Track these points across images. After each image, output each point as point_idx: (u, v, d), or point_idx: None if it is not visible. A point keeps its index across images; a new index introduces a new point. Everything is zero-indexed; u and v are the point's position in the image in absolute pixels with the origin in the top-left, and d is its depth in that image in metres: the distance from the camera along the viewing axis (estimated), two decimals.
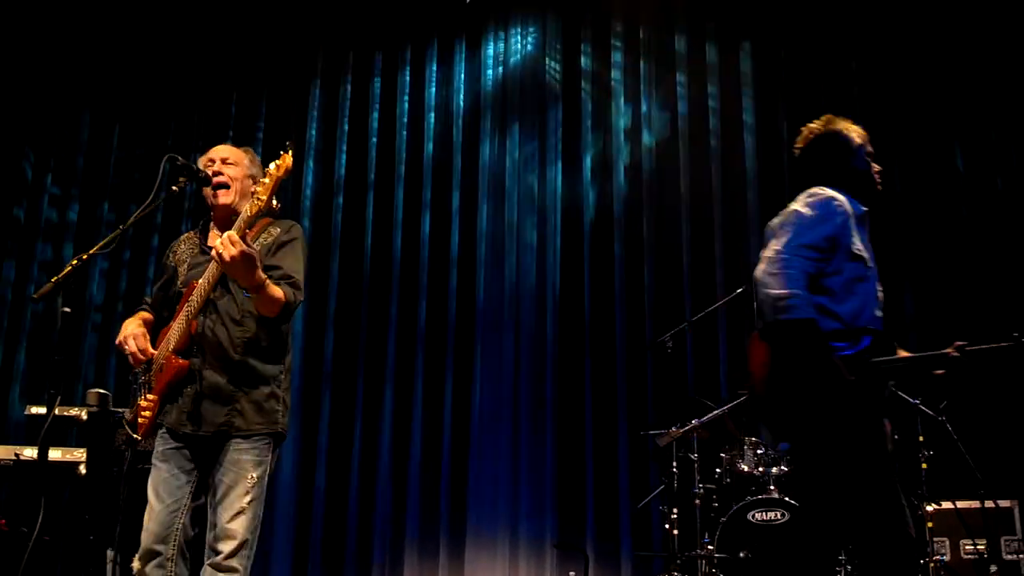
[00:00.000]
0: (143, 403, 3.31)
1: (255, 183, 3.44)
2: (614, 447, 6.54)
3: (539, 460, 6.63)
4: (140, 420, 3.30)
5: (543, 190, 7.21)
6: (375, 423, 7.00)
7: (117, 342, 3.33)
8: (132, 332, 3.33)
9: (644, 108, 7.17)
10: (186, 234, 3.63)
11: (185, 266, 3.45)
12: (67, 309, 2.85)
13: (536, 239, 7.12)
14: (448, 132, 7.49)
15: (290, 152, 3.15)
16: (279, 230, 3.46)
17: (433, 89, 7.59)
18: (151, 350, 3.31)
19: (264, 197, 3.08)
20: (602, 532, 6.39)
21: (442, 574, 6.55)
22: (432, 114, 7.55)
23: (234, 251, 3.01)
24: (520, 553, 6.48)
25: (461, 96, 7.53)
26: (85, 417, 4.83)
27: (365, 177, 7.53)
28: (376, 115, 7.65)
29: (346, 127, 7.66)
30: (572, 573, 5.57)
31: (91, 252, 3.02)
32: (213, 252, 3.06)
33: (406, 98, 7.62)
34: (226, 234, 3.05)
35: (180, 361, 3.25)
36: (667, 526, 5.39)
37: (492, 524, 6.53)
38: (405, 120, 7.58)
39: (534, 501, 6.56)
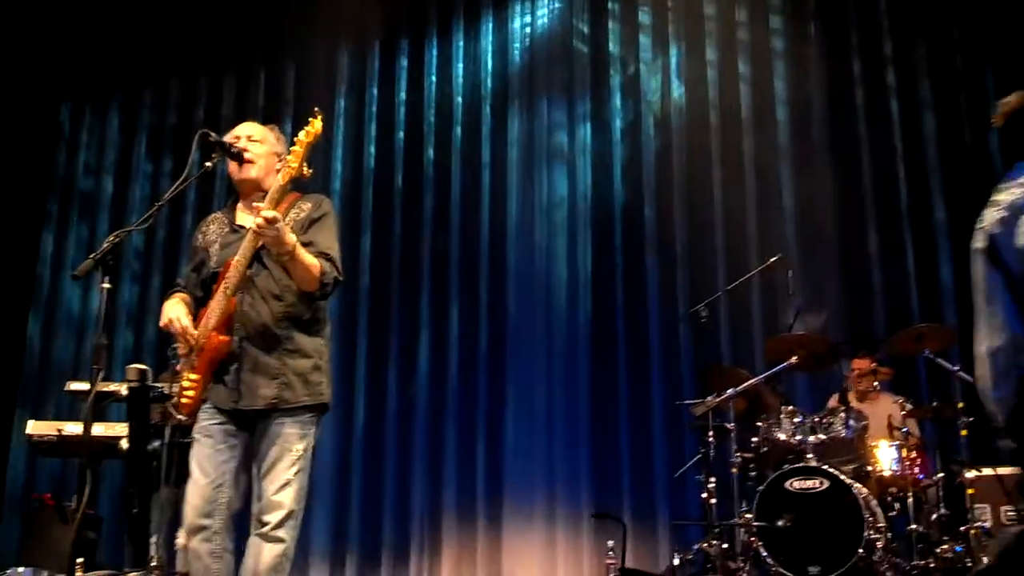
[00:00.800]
0: (185, 383, 3.32)
1: (280, 159, 3.46)
2: (648, 417, 6.53)
3: (574, 431, 6.63)
4: (184, 400, 3.31)
5: (572, 160, 7.17)
6: (409, 395, 7.03)
7: (162, 324, 3.33)
8: (176, 313, 3.33)
9: (673, 75, 7.09)
10: (214, 214, 3.64)
11: (216, 246, 3.46)
12: (107, 285, 2.88)
13: (567, 208, 7.09)
14: (477, 105, 7.45)
15: (319, 118, 3.18)
16: (309, 205, 3.47)
17: (460, 65, 7.55)
18: (192, 330, 3.31)
19: (295, 164, 3.12)
20: (638, 502, 6.39)
21: (480, 546, 6.59)
22: (460, 82, 7.52)
23: (272, 230, 3.07)
24: (557, 524, 6.50)
25: (489, 65, 7.48)
26: (125, 392, 4.86)
27: (392, 150, 7.52)
28: (404, 91, 7.63)
29: (374, 109, 7.65)
30: (611, 542, 5.57)
31: (129, 229, 3.04)
32: (256, 224, 3.08)
33: (433, 74, 7.59)
34: (262, 214, 3.07)
35: (221, 338, 3.26)
36: (704, 495, 5.39)
37: (528, 495, 6.55)
38: (433, 92, 7.56)
39: (570, 472, 6.56)
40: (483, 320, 7.04)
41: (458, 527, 6.68)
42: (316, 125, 3.18)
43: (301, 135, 3.16)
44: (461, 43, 7.58)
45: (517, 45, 7.46)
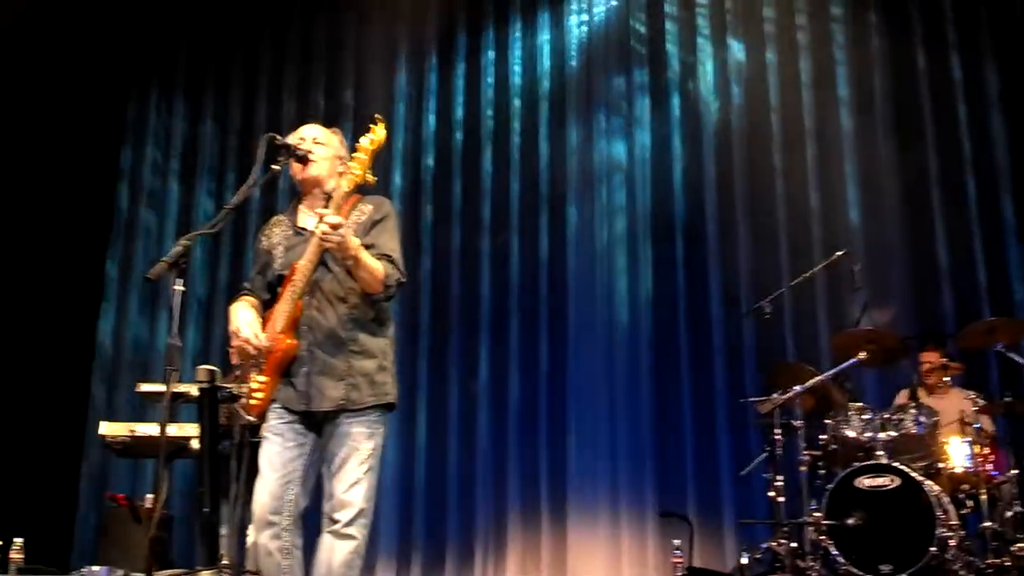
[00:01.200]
0: (254, 384, 3.36)
1: (342, 163, 3.51)
2: (712, 415, 6.48)
3: (637, 429, 6.60)
4: (253, 401, 3.36)
5: (631, 151, 7.13)
6: (471, 396, 7.06)
7: (231, 331, 3.38)
8: (245, 320, 3.38)
9: (732, 73, 7.03)
10: (277, 217, 3.69)
11: (281, 248, 3.51)
12: (180, 288, 2.94)
13: (625, 200, 7.05)
14: (534, 107, 7.45)
15: (382, 125, 3.21)
16: (371, 207, 3.51)
17: (518, 67, 7.56)
18: (257, 340, 3.34)
19: (360, 171, 3.18)
20: (703, 501, 6.35)
21: (545, 545, 6.59)
22: (518, 82, 7.53)
23: (336, 236, 3.12)
24: (622, 523, 6.47)
25: (546, 66, 7.48)
26: (196, 393, 4.95)
27: (451, 144, 7.55)
28: (462, 93, 7.66)
29: (432, 109, 7.70)
30: (677, 541, 5.53)
31: (199, 232, 3.10)
32: (316, 228, 3.13)
33: (491, 76, 7.62)
34: (327, 219, 3.11)
35: (289, 341, 3.31)
36: (771, 494, 5.32)
37: (592, 495, 6.54)
38: (490, 94, 7.59)
39: (633, 471, 6.53)
40: (543, 318, 7.03)
41: (522, 527, 6.68)
42: (379, 132, 3.23)
43: (365, 142, 3.21)
44: (519, 46, 7.59)
45: (574, 44, 7.44)
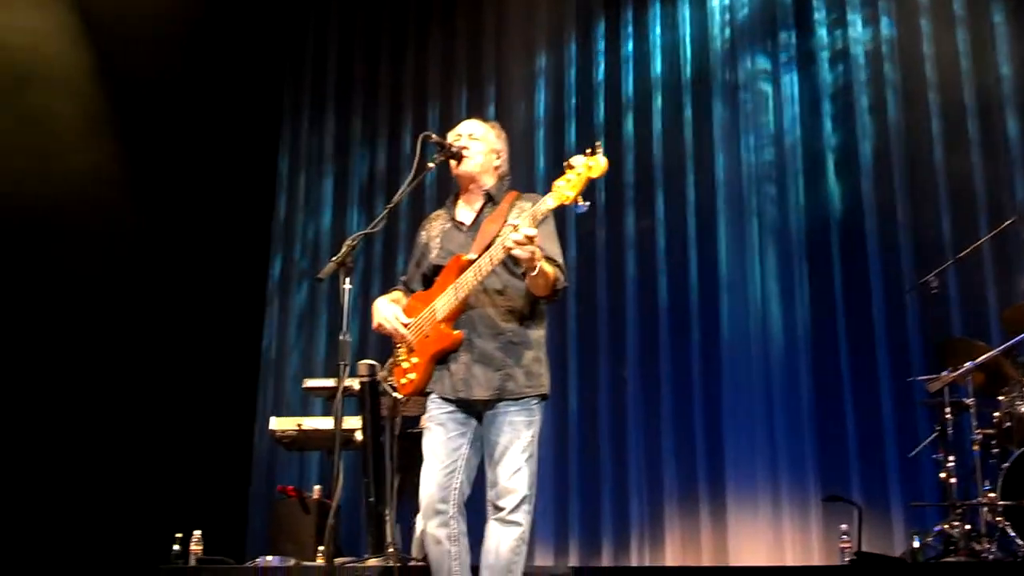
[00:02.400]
0: (405, 365, 3.48)
1: (498, 156, 3.63)
2: (876, 395, 6.25)
3: (796, 411, 6.44)
4: (404, 381, 3.49)
5: (779, 125, 6.96)
6: (621, 380, 7.01)
7: (374, 327, 3.53)
8: (386, 315, 3.52)
9: (884, 44, 6.75)
10: (437, 212, 3.79)
11: (438, 240, 3.62)
12: (348, 286, 3.05)
13: (775, 181, 6.88)
14: (675, 81, 7.35)
15: (601, 152, 3.15)
16: (529, 204, 3.55)
17: (658, 40, 7.46)
18: (404, 323, 3.47)
19: (572, 193, 3.16)
20: (869, 484, 6.15)
21: (704, 531, 6.51)
22: (658, 54, 7.45)
23: (531, 247, 3.17)
24: (783, 508, 6.33)
25: (687, 40, 7.37)
26: (358, 387, 5.11)
27: (592, 127, 7.52)
28: (602, 69, 7.61)
29: (575, 87, 7.69)
30: (844, 526, 5.39)
31: (365, 231, 3.21)
32: (508, 241, 3.18)
33: (630, 45, 7.54)
34: (522, 231, 3.15)
35: (455, 334, 3.40)
36: (942, 475, 5.14)
37: (752, 479, 6.41)
38: (631, 66, 7.50)
39: (794, 455, 6.38)
40: (693, 293, 6.90)
41: (679, 513, 6.61)
42: (599, 161, 3.16)
43: (580, 165, 3.16)
44: (659, 15, 7.50)
45: (717, 20, 7.30)
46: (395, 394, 3.53)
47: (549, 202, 3.22)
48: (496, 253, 3.29)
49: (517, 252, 3.18)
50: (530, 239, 3.16)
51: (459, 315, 3.42)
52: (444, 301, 3.42)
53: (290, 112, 8.59)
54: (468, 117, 3.85)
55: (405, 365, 3.49)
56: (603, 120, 7.51)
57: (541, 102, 7.75)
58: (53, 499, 6.64)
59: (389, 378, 3.56)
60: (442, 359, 3.45)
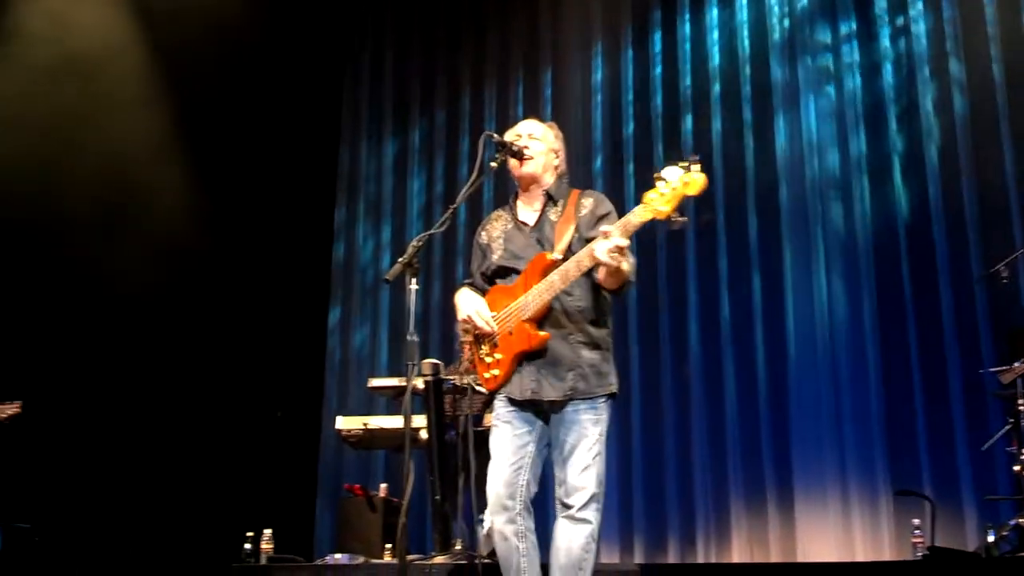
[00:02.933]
0: (489, 361, 3.48)
1: (557, 156, 3.67)
2: (945, 387, 6.13)
3: (864, 404, 6.34)
4: (488, 376, 3.50)
5: (842, 117, 6.84)
6: (684, 377, 6.99)
7: (463, 318, 3.52)
8: (476, 307, 3.52)
9: (946, 26, 6.57)
10: (496, 212, 3.81)
11: (500, 241, 3.64)
12: (415, 287, 3.08)
13: (839, 169, 6.78)
14: (735, 70, 7.28)
15: (698, 168, 3.09)
16: (591, 200, 3.62)
17: (716, 32, 7.41)
18: (493, 324, 3.48)
19: (666, 208, 3.12)
20: (940, 478, 6.03)
21: (772, 528, 6.44)
22: (716, 50, 7.39)
23: (620, 257, 3.19)
24: (852, 503, 6.24)
25: (745, 30, 7.30)
26: (422, 386, 5.15)
27: (650, 119, 7.49)
28: (659, 63, 7.58)
29: (631, 80, 7.66)
30: (916, 520, 5.31)
31: (430, 232, 3.24)
32: (600, 252, 3.19)
33: (687, 43, 7.51)
34: (614, 242, 3.16)
35: (541, 335, 3.41)
36: (1017, 468, 5.02)
37: (819, 474, 6.34)
38: (688, 59, 7.47)
39: (862, 448, 6.29)
40: (756, 287, 6.84)
41: (746, 510, 6.56)
42: (697, 178, 3.10)
43: (675, 179, 3.10)
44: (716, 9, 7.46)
45: (776, 11, 7.21)
46: (479, 389, 3.54)
47: (642, 215, 3.18)
48: (584, 260, 3.29)
49: (607, 261, 3.19)
50: (621, 250, 3.17)
51: (543, 315, 3.42)
52: (529, 301, 3.41)
53: (349, 97, 8.73)
54: (525, 117, 3.87)
55: (488, 360, 3.50)
56: (660, 114, 7.48)
57: (599, 105, 7.73)
58: (134, 500, 6.82)
59: (466, 374, 3.57)
60: (525, 358, 3.46)
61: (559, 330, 3.44)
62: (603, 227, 3.25)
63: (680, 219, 3.12)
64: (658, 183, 3.12)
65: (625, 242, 3.18)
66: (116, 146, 6.97)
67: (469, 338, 3.56)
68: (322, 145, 8.53)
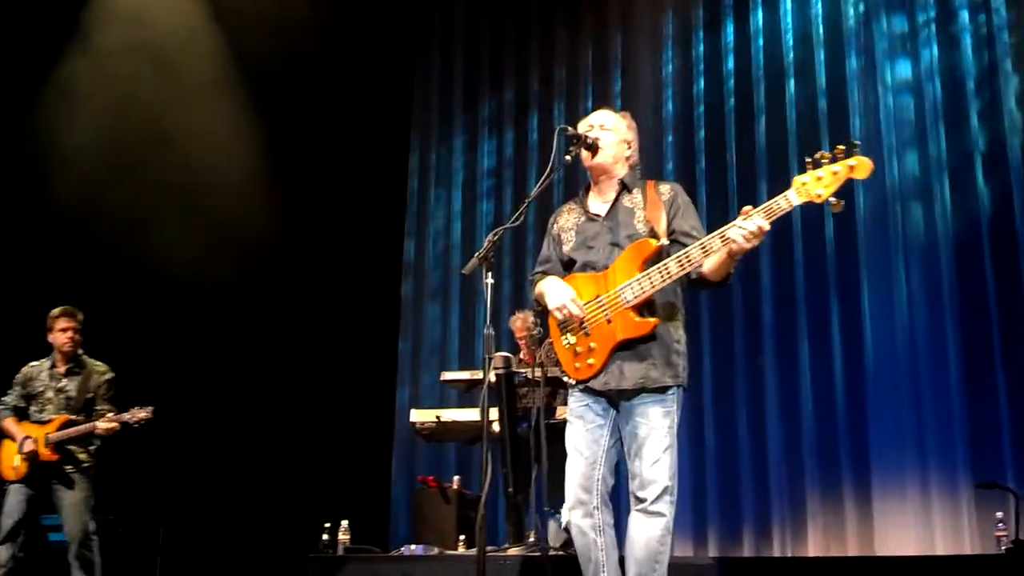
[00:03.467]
0: (580, 350, 3.45)
1: (629, 147, 3.62)
2: None
3: (944, 394, 6.18)
4: (579, 367, 3.45)
5: (919, 86, 6.69)
6: (758, 367, 6.91)
7: (556, 306, 3.44)
8: (570, 295, 3.44)
9: None
10: (567, 204, 3.77)
11: (572, 233, 3.62)
12: (490, 280, 3.10)
13: (916, 141, 6.62)
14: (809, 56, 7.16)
15: (860, 152, 3.02)
16: (667, 187, 3.58)
17: (789, 18, 7.29)
18: (584, 311, 3.43)
19: (821, 191, 3.07)
20: (1023, 471, 5.89)
21: (849, 521, 6.33)
22: (790, 31, 7.27)
23: (756, 241, 3.13)
24: (932, 496, 6.10)
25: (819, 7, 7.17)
26: (494, 379, 5.18)
27: (723, 111, 7.43)
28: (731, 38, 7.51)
29: (703, 66, 7.61)
30: (999, 513, 5.18)
31: (505, 226, 3.25)
32: (734, 231, 3.14)
33: (760, 20, 7.40)
34: (755, 223, 3.12)
35: (650, 321, 3.36)
36: None
37: (898, 467, 6.21)
38: (760, 39, 7.36)
39: (942, 440, 6.13)
40: (831, 275, 6.73)
41: (822, 503, 6.46)
42: (866, 161, 3.05)
43: (840, 165, 3.06)
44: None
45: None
46: (567, 379, 3.51)
47: (794, 199, 3.12)
48: (712, 244, 3.24)
49: (742, 244, 3.13)
50: (762, 232, 3.12)
51: (649, 302, 3.39)
52: (635, 287, 3.35)
53: (420, 81, 8.79)
54: (596, 109, 3.85)
55: (580, 350, 3.44)
56: (733, 107, 7.41)
57: (668, 99, 7.68)
58: (215, 491, 6.99)
59: (549, 362, 3.54)
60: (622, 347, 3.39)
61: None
62: (746, 208, 3.17)
63: (839, 203, 3.03)
64: (812, 168, 3.05)
65: (766, 225, 3.11)
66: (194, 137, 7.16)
67: (557, 329, 3.52)
68: (393, 139, 8.62)
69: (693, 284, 3.48)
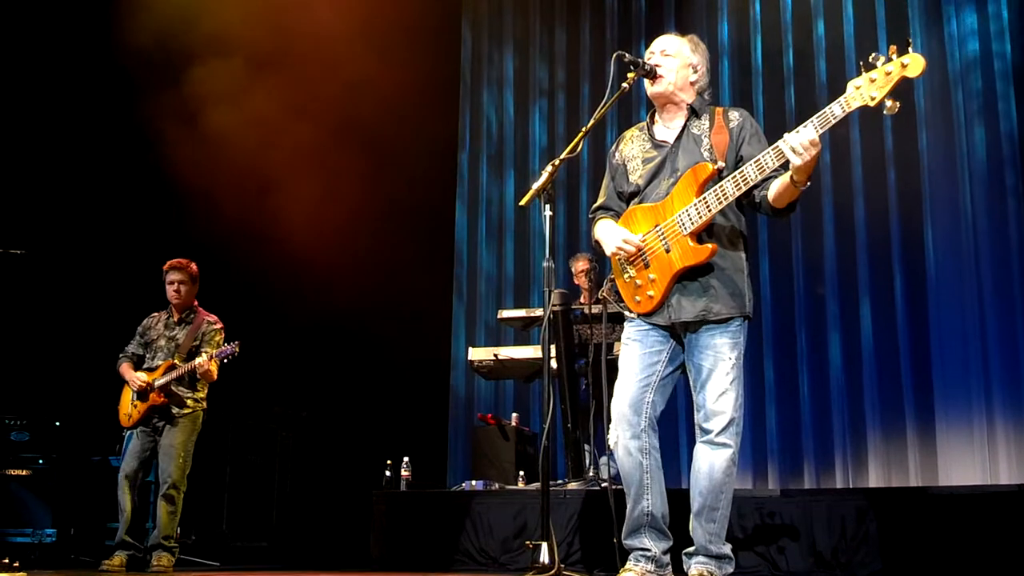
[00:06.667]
0: (640, 283, 3.39)
1: (696, 71, 3.48)
2: None
3: (1009, 324, 6.07)
4: (639, 299, 3.39)
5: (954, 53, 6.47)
6: (818, 297, 6.80)
7: (611, 252, 3.41)
8: (623, 236, 3.38)
9: None
10: (630, 131, 3.66)
11: (638, 160, 3.51)
12: (549, 212, 3.05)
13: (982, 91, 6.39)
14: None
15: (915, 51, 2.91)
16: (738, 114, 3.46)
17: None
18: (638, 243, 3.37)
19: (875, 94, 2.97)
20: None
21: (912, 450, 6.27)
22: None
23: (815, 152, 3.03)
24: (997, 425, 6.01)
25: None
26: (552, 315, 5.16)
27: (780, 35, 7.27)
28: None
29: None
30: None
31: (562, 157, 3.18)
32: (791, 144, 3.04)
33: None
34: (807, 136, 3.02)
35: (710, 247, 3.27)
36: None
37: (962, 396, 6.12)
38: None
39: (1007, 369, 6.03)
40: (893, 199, 6.59)
41: (883, 432, 6.40)
42: (918, 59, 2.93)
43: (892, 66, 2.94)
44: None
45: None
46: (628, 313, 3.44)
47: (848, 104, 3.01)
48: (766, 160, 3.14)
49: (797, 159, 3.02)
50: (814, 145, 3.01)
51: (709, 228, 3.30)
52: (692, 214, 3.27)
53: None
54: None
55: (640, 282, 3.38)
56: (792, 69, 7.23)
57: (725, 70, 7.52)
58: (282, 432, 7.12)
59: (612, 297, 3.47)
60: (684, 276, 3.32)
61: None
62: (800, 126, 3.05)
63: (895, 104, 2.92)
64: (865, 71, 2.96)
65: (815, 136, 2.99)
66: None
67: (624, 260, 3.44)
68: (443, 78, 8.52)
69: (758, 210, 3.37)
